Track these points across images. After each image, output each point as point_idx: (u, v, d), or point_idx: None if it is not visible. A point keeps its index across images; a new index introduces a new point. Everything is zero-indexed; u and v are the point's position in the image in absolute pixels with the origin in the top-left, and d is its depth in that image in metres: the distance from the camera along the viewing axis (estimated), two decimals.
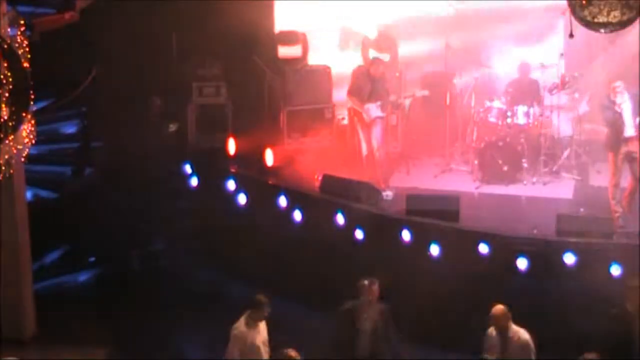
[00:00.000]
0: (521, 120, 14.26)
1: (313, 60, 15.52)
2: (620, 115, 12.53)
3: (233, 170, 14.03)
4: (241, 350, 9.82)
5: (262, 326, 10.00)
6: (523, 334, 9.90)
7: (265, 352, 9.89)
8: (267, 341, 9.98)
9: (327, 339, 10.72)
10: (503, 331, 9.89)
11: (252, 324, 9.88)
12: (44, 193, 13.93)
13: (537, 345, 10.10)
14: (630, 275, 10.70)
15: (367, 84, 13.94)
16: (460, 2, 15.45)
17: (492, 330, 9.99)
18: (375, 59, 14.28)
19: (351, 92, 14.12)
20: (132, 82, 14.31)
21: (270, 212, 13.35)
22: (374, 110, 13.88)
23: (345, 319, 10.40)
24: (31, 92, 8.88)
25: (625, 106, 12.55)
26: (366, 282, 10.40)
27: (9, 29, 9.92)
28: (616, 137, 12.62)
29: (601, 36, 11.42)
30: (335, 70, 15.20)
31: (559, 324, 11.44)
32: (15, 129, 8.73)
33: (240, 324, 9.90)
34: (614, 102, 12.57)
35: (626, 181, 12.89)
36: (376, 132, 13.92)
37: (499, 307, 9.90)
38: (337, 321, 10.55)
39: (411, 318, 11.87)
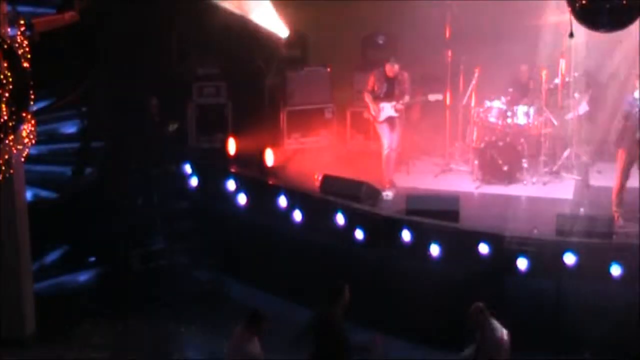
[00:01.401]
0: (521, 120, 14.26)
1: (313, 60, 15.55)
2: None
3: (233, 170, 14.03)
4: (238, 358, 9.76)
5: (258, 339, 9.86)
6: (498, 331, 9.70)
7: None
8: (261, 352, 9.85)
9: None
10: (479, 328, 9.75)
11: (249, 335, 9.77)
12: (44, 193, 13.90)
13: (535, 345, 10.09)
14: None
15: (383, 84, 14.00)
16: (461, 1, 15.45)
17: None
18: (393, 60, 14.27)
19: (368, 91, 14.17)
20: (131, 82, 14.31)
21: (270, 212, 13.35)
22: (387, 109, 13.92)
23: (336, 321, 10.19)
24: (31, 92, 8.88)
25: None
26: (347, 286, 10.18)
27: (9, 29, 9.92)
28: (631, 135, 12.49)
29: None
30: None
31: (559, 323, 11.45)
32: (15, 129, 8.73)
33: (237, 333, 9.83)
34: (637, 99, 12.45)
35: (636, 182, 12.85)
36: (396, 134, 14.01)
37: (474, 305, 9.75)
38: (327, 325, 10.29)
39: (411, 318, 11.88)
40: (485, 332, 9.74)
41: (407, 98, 14.10)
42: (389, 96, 13.99)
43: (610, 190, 13.09)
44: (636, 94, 12.47)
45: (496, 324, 9.73)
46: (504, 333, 9.73)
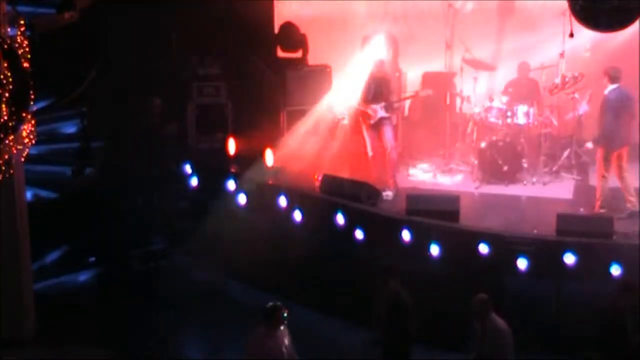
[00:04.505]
0: (521, 120, 14.27)
1: (313, 59, 15.54)
2: None
3: (233, 170, 14.03)
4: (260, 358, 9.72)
5: (282, 330, 9.82)
6: (500, 325, 9.81)
7: (287, 353, 9.75)
8: (290, 343, 9.83)
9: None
10: (482, 320, 9.82)
11: (269, 330, 9.74)
12: (44, 193, 13.92)
13: (535, 345, 10.07)
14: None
15: (371, 84, 13.90)
16: (461, 1, 15.46)
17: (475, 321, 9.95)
18: (378, 60, 14.20)
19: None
20: (132, 82, 14.31)
21: (270, 212, 13.35)
22: (378, 111, 13.84)
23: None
24: (31, 92, 8.88)
25: None
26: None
27: (9, 29, 9.92)
28: None
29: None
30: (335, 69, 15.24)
31: (559, 323, 11.45)
32: (15, 129, 8.74)
33: (256, 333, 9.79)
34: None
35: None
36: (387, 133, 13.87)
37: (478, 295, 9.86)
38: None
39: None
40: (487, 325, 9.76)
41: (394, 97, 14.05)
42: (377, 97, 13.88)
43: (610, 190, 13.08)
44: None
45: (497, 318, 9.76)
46: (505, 327, 9.75)
